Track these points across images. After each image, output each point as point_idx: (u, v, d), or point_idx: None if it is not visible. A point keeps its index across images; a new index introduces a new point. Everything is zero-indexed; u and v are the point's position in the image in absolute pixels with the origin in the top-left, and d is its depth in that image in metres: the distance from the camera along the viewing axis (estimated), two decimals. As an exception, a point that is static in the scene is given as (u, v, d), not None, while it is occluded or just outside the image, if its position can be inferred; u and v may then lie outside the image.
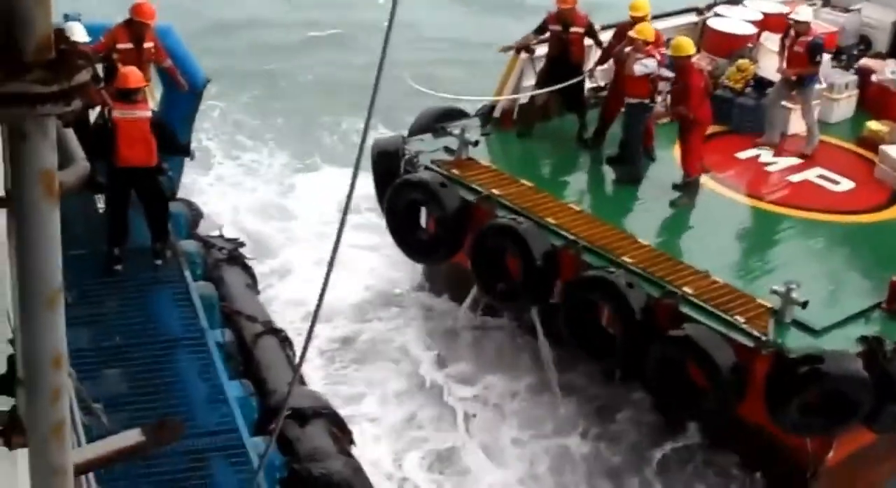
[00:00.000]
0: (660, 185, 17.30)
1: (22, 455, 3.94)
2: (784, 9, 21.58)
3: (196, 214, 17.06)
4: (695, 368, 14.06)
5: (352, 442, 13.42)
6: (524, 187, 16.66)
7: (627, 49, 17.16)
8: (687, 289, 14.63)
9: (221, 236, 16.88)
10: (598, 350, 15.05)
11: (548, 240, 15.50)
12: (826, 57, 20.31)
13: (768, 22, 21.00)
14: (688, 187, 16.92)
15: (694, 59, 19.36)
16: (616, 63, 17.70)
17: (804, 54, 18.17)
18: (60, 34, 3.38)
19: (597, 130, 18.20)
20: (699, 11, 21.17)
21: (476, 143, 17.14)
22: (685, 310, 14.42)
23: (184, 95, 16.57)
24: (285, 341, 14.73)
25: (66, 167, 3.92)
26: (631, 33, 17.06)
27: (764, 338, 13.89)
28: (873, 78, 20.60)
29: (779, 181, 18.01)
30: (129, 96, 14.21)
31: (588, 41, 17.99)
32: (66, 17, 16.11)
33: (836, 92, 20.05)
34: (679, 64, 16.57)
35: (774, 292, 14.27)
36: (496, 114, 18.52)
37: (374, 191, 17.64)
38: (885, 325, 14.67)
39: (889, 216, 17.35)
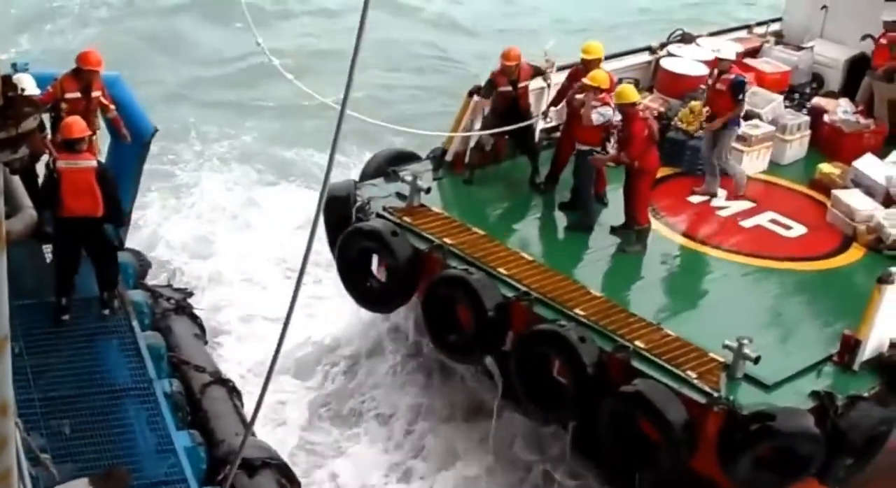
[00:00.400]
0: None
1: None
2: (738, 47, 21.68)
3: (144, 264, 17.04)
4: (646, 423, 14.04)
5: None
6: (476, 235, 16.60)
7: (580, 95, 17.12)
8: (639, 343, 14.61)
9: (169, 286, 16.85)
10: (550, 403, 15.00)
11: (499, 291, 15.43)
12: (778, 97, 20.48)
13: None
14: (640, 236, 16.89)
15: (647, 100, 19.61)
16: (568, 106, 17.68)
17: (726, 92, 18.10)
18: (8, 82, 3.44)
19: (549, 174, 18.19)
20: (652, 50, 21.18)
21: (428, 190, 17.06)
22: (637, 364, 14.40)
23: (130, 147, 16.42)
24: (233, 391, 14.71)
25: (13, 216, 3.86)
26: (585, 80, 17.03)
27: (716, 395, 13.89)
28: (825, 118, 20.69)
29: (730, 226, 18.01)
30: (74, 146, 14.13)
31: (540, 83, 17.98)
32: (14, 67, 15.95)
33: (789, 133, 20.09)
34: (623, 111, 16.55)
35: (726, 347, 14.29)
36: (448, 157, 18.44)
37: (326, 237, 17.52)
38: (837, 379, 14.70)
39: (839, 263, 17.39)
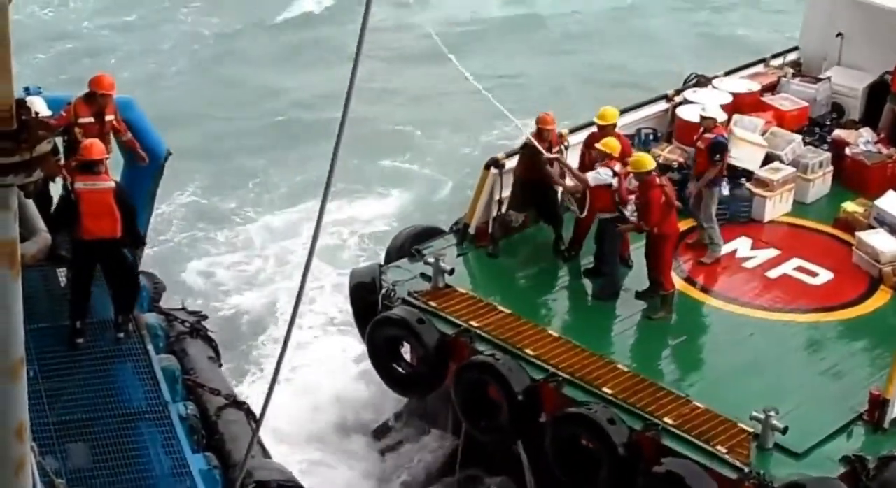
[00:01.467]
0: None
1: None
2: (754, 85, 21.84)
3: (158, 287, 17.21)
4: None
5: None
6: (502, 315, 16.85)
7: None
8: (668, 420, 14.85)
9: (184, 309, 17.07)
10: (586, 482, 15.25)
11: (527, 374, 15.71)
12: (797, 137, 20.58)
13: (739, 103, 21.21)
14: (664, 301, 17.12)
15: (666, 150, 19.81)
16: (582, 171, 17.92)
17: (704, 152, 18.17)
18: (22, 105, 3.50)
19: (573, 240, 18.40)
20: (668, 98, 21.33)
21: (451, 272, 17.32)
22: (667, 442, 14.64)
23: (145, 169, 16.59)
24: (249, 414, 14.92)
25: (27, 239, 3.94)
26: (598, 146, 17.30)
27: (746, 469, 14.11)
28: (847, 151, 20.78)
29: (756, 279, 18.19)
30: (92, 168, 14.33)
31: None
32: (27, 91, 16.14)
33: (811, 172, 20.21)
34: (640, 179, 16.80)
35: (754, 419, 14.49)
36: (471, 230, 18.69)
37: (354, 322, 17.88)
38: (867, 439, 14.93)
39: (867, 309, 17.56)
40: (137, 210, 15.22)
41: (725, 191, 18.73)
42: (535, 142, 17.49)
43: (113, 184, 14.44)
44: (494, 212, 18.61)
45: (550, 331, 16.60)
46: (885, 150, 20.81)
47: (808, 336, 17.01)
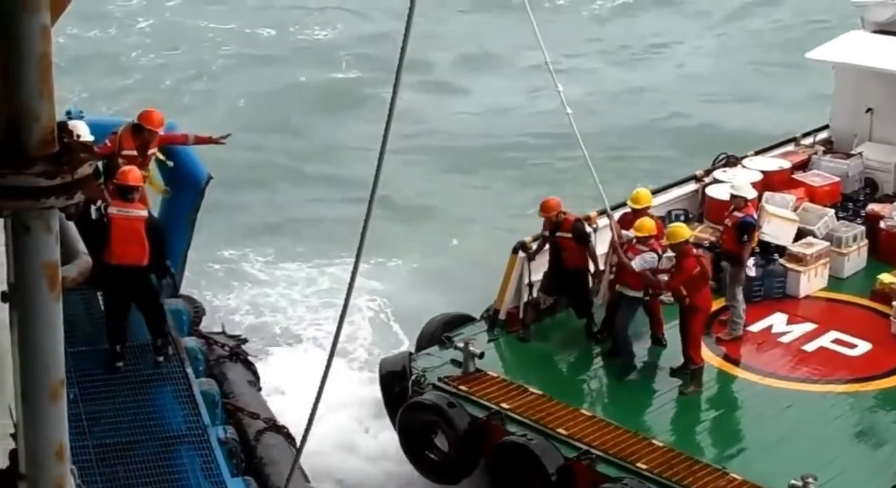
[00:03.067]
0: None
1: None
2: (785, 163, 21.85)
3: (198, 310, 17.42)
4: None
5: None
6: (533, 396, 16.78)
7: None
8: (705, 493, 14.69)
9: (224, 333, 17.18)
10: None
11: (560, 454, 15.59)
12: (830, 211, 20.52)
13: (770, 180, 21.21)
14: (694, 376, 17.01)
15: (697, 230, 19.78)
16: (615, 252, 17.91)
17: (732, 230, 18.08)
18: (64, 128, 3.53)
19: (605, 320, 18.29)
20: (697, 179, 21.37)
21: (482, 355, 17.30)
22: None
23: (185, 193, 16.84)
24: (289, 437, 14.96)
25: (68, 261, 4.05)
26: (633, 229, 17.37)
27: (784, 538, 13.89)
28: (882, 224, 20.70)
29: (792, 352, 18.06)
30: (127, 194, 14.63)
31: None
32: (69, 114, 16.52)
33: (845, 246, 20.11)
34: (675, 250, 16.81)
35: (793, 487, 14.27)
36: (501, 315, 18.70)
37: (385, 410, 17.84)
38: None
39: (905, 379, 17.35)
40: (177, 234, 15.57)
41: (752, 272, 18.60)
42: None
43: (145, 213, 14.81)
44: (525, 297, 18.62)
45: (583, 411, 16.51)
46: (920, 222, 20.72)
47: (847, 406, 16.83)
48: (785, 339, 18.42)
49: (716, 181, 21.17)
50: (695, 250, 17.07)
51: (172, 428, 14.07)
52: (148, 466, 13.42)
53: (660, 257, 17.06)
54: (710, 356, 17.82)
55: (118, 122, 16.77)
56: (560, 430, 16.01)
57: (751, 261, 18.45)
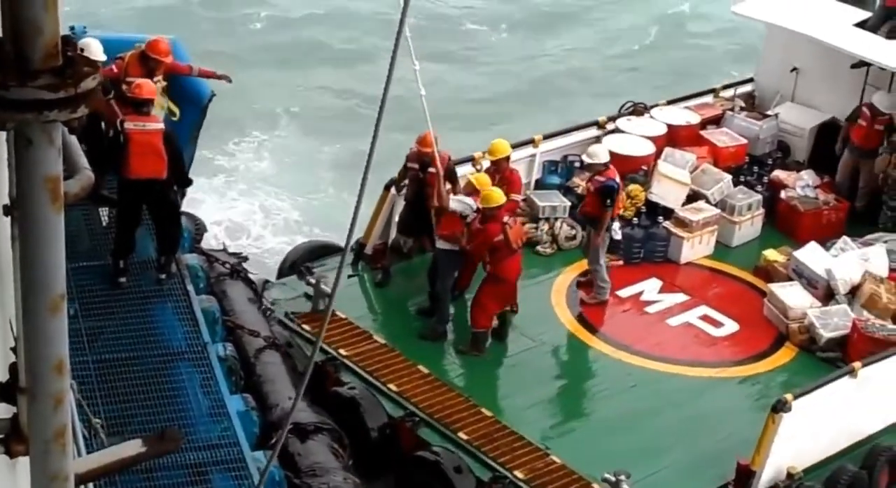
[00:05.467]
0: (523, 335, 17.08)
1: (23, 464, 4.09)
2: (694, 118, 21.22)
3: (200, 228, 17.61)
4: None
5: (351, 456, 13.95)
6: (376, 345, 16.48)
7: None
8: (518, 474, 14.44)
9: (225, 250, 17.35)
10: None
11: (385, 412, 15.34)
12: (727, 176, 19.98)
13: (674, 135, 20.64)
14: (474, 338, 16.64)
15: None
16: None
17: (594, 195, 17.50)
18: (67, 41, 3.55)
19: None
20: (599, 125, 20.68)
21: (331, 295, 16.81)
22: (515, 497, 14.24)
23: (188, 110, 16.89)
24: (287, 356, 15.20)
25: (70, 177, 4.15)
26: (469, 177, 17.00)
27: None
28: (782, 194, 20.19)
29: (654, 326, 17.65)
30: (141, 107, 14.64)
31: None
32: (73, 29, 16.51)
33: (738, 214, 19.63)
34: (486, 213, 16.22)
35: (605, 480, 14.03)
36: (367, 250, 18.25)
37: None
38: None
39: (765, 368, 16.96)
40: (182, 157, 15.42)
41: (617, 235, 18.06)
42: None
43: (162, 126, 14.74)
44: (392, 237, 18.20)
45: (421, 368, 16.17)
46: (822, 196, 20.20)
47: (695, 392, 16.39)
48: (651, 309, 17.99)
49: (618, 130, 20.55)
50: (505, 217, 16.36)
51: (172, 344, 14.12)
52: (147, 382, 13.49)
53: (477, 210, 16.39)
54: (569, 320, 17.53)
55: (135, 40, 16.77)
56: (391, 386, 15.72)
57: (616, 225, 17.90)
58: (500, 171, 17.34)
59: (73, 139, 4.18)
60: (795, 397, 14.55)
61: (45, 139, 3.51)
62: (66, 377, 3.82)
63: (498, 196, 16.28)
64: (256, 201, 24.72)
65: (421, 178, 17.23)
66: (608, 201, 17.21)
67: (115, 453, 4.72)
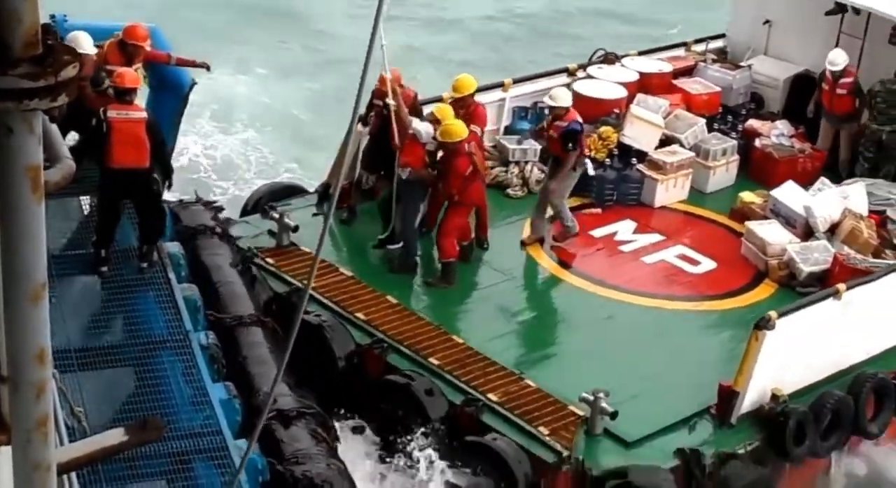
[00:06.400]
0: (494, 269, 16.67)
1: (5, 454, 4.09)
2: (666, 67, 20.83)
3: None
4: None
5: (336, 439, 13.55)
6: (342, 277, 15.98)
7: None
8: (492, 396, 13.94)
9: (199, 200, 17.00)
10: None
11: (352, 339, 14.84)
12: (700, 121, 19.59)
13: (646, 83, 20.20)
14: (444, 269, 16.29)
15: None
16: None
17: (557, 140, 17.01)
18: (47, 29, 3.56)
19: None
20: (570, 72, 20.29)
21: (296, 229, 16.36)
22: (487, 419, 13.75)
23: (169, 98, 16.65)
24: (275, 331, 14.77)
25: (51, 166, 4.14)
26: (433, 109, 16.56)
27: (566, 454, 13.13)
28: (757, 142, 19.79)
29: (630, 262, 17.23)
30: (125, 96, 14.36)
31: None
32: (53, 17, 16.16)
33: (712, 159, 19.20)
34: (447, 149, 15.94)
35: (583, 400, 13.52)
36: (332, 191, 17.74)
37: None
38: (711, 434, 14.01)
39: (745, 302, 16.53)
40: (164, 148, 15.29)
41: (591, 171, 17.58)
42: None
43: (145, 115, 14.49)
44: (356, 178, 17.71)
45: (389, 298, 15.70)
46: (797, 145, 19.80)
47: (672, 324, 15.96)
48: (626, 248, 17.58)
49: (589, 77, 20.11)
50: (467, 146, 15.99)
51: (154, 333, 14.03)
52: (130, 371, 13.43)
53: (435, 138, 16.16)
54: (541, 257, 17.12)
55: (113, 29, 16.40)
56: (359, 315, 15.22)
57: (588, 163, 17.39)
58: (465, 107, 16.91)
59: (54, 127, 4.25)
60: (780, 315, 14.13)
61: (25, 128, 3.53)
62: (48, 366, 3.86)
63: (457, 129, 15.98)
64: (230, 142, 24.54)
65: (385, 115, 16.82)
66: (570, 145, 16.78)
67: (97, 442, 4.75)
